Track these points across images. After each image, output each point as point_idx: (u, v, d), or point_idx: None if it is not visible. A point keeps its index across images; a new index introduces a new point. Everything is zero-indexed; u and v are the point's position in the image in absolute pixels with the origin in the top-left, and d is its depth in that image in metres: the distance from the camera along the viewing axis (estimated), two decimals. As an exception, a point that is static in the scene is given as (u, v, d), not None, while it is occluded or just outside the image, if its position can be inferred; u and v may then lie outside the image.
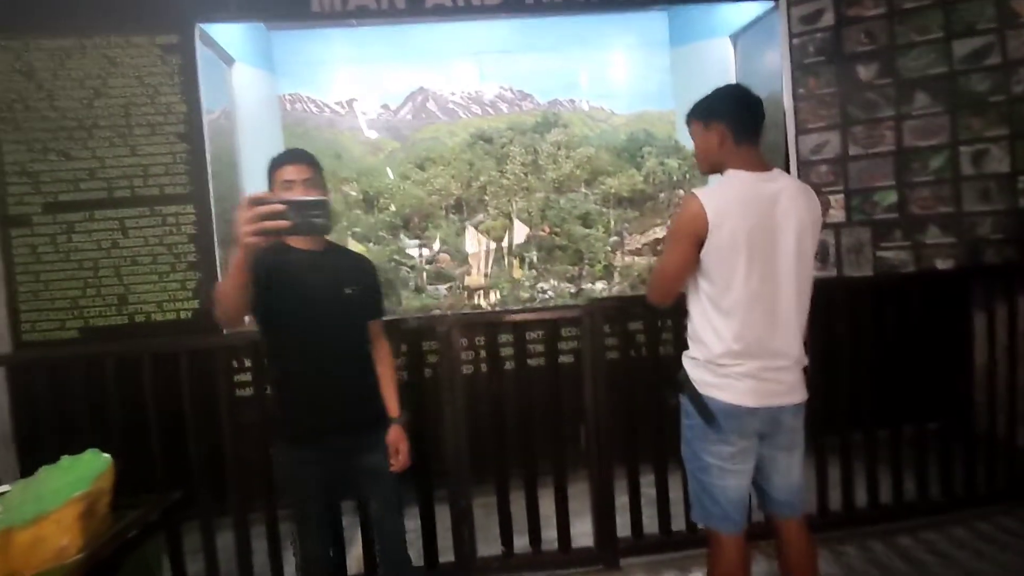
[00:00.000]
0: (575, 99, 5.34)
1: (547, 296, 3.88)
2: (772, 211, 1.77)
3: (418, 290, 3.96)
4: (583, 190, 4.57)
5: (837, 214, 3.53)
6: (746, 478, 1.82)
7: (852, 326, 2.76)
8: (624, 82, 5.43)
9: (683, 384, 1.85)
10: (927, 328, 2.82)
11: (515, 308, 3.50)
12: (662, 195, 4.75)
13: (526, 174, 4.52)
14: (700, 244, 1.76)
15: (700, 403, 1.80)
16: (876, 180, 3.43)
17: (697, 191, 1.80)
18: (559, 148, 4.65)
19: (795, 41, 3.60)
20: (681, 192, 4.79)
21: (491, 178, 4.40)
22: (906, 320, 2.78)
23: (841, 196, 3.52)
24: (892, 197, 3.39)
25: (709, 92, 1.91)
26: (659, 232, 4.76)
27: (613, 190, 4.58)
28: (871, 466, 2.73)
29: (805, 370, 1.88)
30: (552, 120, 5.08)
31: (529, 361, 2.56)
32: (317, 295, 1.69)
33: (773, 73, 3.73)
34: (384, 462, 1.79)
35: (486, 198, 4.33)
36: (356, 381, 1.77)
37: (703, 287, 1.81)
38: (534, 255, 4.11)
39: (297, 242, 1.73)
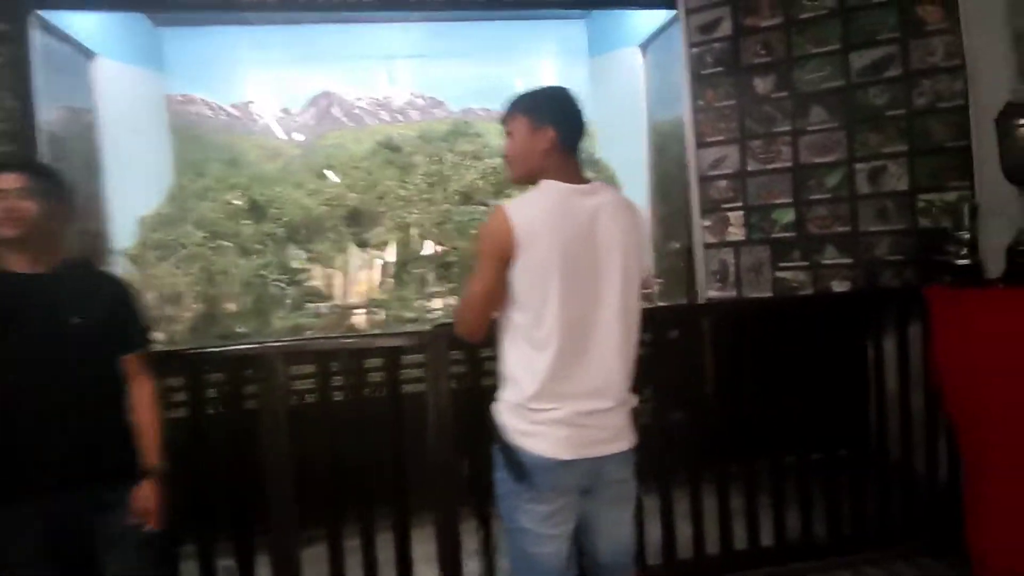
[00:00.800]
0: (490, 107, 5.12)
1: (434, 317, 3.61)
2: (592, 228, 1.54)
3: (294, 308, 3.65)
4: (493, 202, 4.32)
5: (737, 232, 3.35)
6: (566, 542, 1.57)
7: (748, 350, 2.57)
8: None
9: (495, 432, 1.60)
10: (824, 353, 2.66)
11: (349, 335, 3.21)
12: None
13: (430, 184, 4.26)
14: (508, 265, 1.51)
15: (510, 455, 1.54)
16: (774, 197, 3.26)
17: (505, 204, 1.56)
18: (465, 158, 4.40)
19: (694, 51, 3.44)
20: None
21: (389, 188, 4.13)
22: (802, 344, 2.60)
23: (740, 213, 3.34)
24: (790, 215, 3.23)
25: (535, 88, 1.69)
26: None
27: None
28: (775, 500, 2.53)
29: (635, 411, 1.65)
30: (463, 129, 4.85)
31: (370, 392, 2.29)
32: (31, 328, 1.39)
33: (679, 84, 3.56)
34: (128, 524, 1.49)
35: (382, 210, 4.05)
36: (87, 428, 1.47)
37: (514, 316, 1.56)
38: (426, 272, 3.84)
39: (15, 262, 1.43)
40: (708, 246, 3.43)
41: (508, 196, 4.71)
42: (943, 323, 2.43)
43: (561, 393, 1.49)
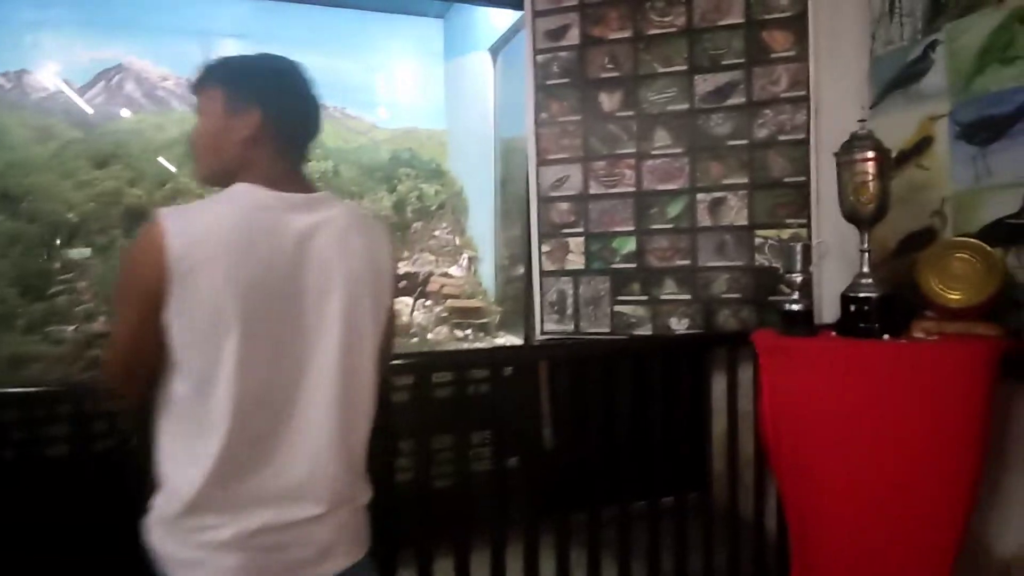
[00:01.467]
0: (329, 105, 4.54)
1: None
2: (300, 257, 1.06)
3: (27, 331, 2.86)
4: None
5: (576, 260, 3.04)
6: None
7: (585, 392, 2.22)
8: (393, 94, 4.75)
9: (150, 557, 1.06)
10: (664, 395, 2.40)
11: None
12: (417, 225, 4.07)
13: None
14: (158, 306, 0.99)
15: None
16: (616, 224, 2.99)
17: (164, 211, 1.04)
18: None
19: (539, 58, 3.11)
20: (443, 229, 4.15)
21: (185, 186, 3.43)
22: (638, 385, 2.30)
23: (581, 240, 3.03)
24: (630, 244, 2.96)
25: (244, 56, 1.19)
26: (404, 267, 4.06)
27: (349, 214, 3.81)
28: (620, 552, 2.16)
29: (367, 509, 1.18)
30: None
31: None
32: None
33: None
34: None
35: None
36: None
37: (173, 383, 1.04)
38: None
39: None
40: (546, 274, 3.09)
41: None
42: (769, 370, 2.22)
43: (235, 499, 1.00)
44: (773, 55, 2.79)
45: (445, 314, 3.82)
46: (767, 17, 2.81)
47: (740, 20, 2.84)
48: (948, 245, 2.07)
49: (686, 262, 2.89)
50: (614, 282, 2.99)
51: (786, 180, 2.77)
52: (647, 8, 2.94)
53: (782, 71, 2.78)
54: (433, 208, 4.27)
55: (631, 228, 2.96)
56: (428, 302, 4.01)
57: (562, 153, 3.07)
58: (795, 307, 2.15)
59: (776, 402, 2.20)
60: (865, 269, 2.09)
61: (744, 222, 2.82)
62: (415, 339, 3.52)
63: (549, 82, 3.10)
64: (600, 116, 3.01)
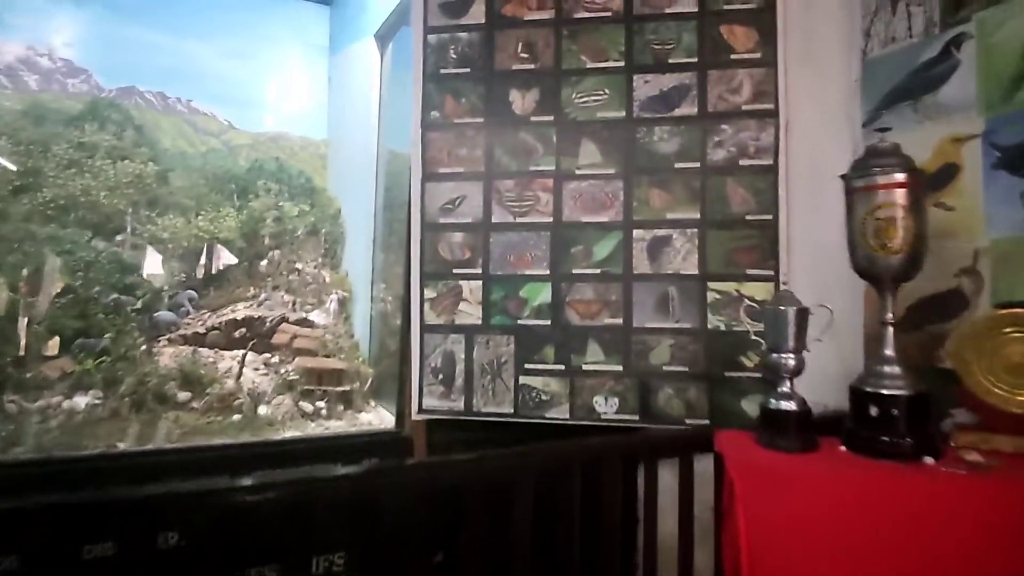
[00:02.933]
0: (172, 96, 3.56)
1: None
2: None
3: None
4: (128, 231, 2.73)
5: (471, 312, 2.22)
6: None
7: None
8: (261, 89, 3.82)
9: None
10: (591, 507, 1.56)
11: None
12: (274, 254, 3.12)
13: (13, 191, 2.55)
14: None
15: None
16: (526, 265, 2.21)
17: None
18: (91, 155, 2.78)
19: (431, 40, 2.33)
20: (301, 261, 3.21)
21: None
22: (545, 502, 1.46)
23: (478, 284, 2.22)
24: (545, 294, 2.19)
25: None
26: (245, 310, 3.10)
27: (170, 234, 2.82)
28: None
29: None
30: (104, 112, 3.21)
31: None
32: None
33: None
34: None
35: None
36: None
37: None
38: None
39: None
40: (430, 329, 2.24)
41: (152, 223, 3.14)
42: (746, 498, 1.47)
43: None
44: (733, 56, 2.15)
45: (296, 376, 2.87)
46: (726, 8, 2.16)
47: (692, 9, 2.19)
48: (997, 321, 1.41)
49: (617, 320, 2.14)
50: (521, 344, 2.19)
51: (748, 217, 2.10)
52: (575, -16, 2.24)
53: (744, 77, 2.14)
54: (298, 234, 3.35)
55: (545, 272, 2.19)
56: (275, 358, 3.06)
57: (457, 166, 2.27)
58: (786, 405, 1.42)
59: (757, 539, 1.46)
60: (889, 351, 1.39)
61: (693, 270, 2.11)
62: (237, 416, 2.57)
63: (444, 71, 2.31)
64: (510, 120, 2.25)
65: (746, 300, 2.07)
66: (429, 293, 2.26)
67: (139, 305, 2.88)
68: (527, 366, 2.18)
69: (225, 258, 3.11)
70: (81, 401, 2.43)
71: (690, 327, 2.10)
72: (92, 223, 2.85)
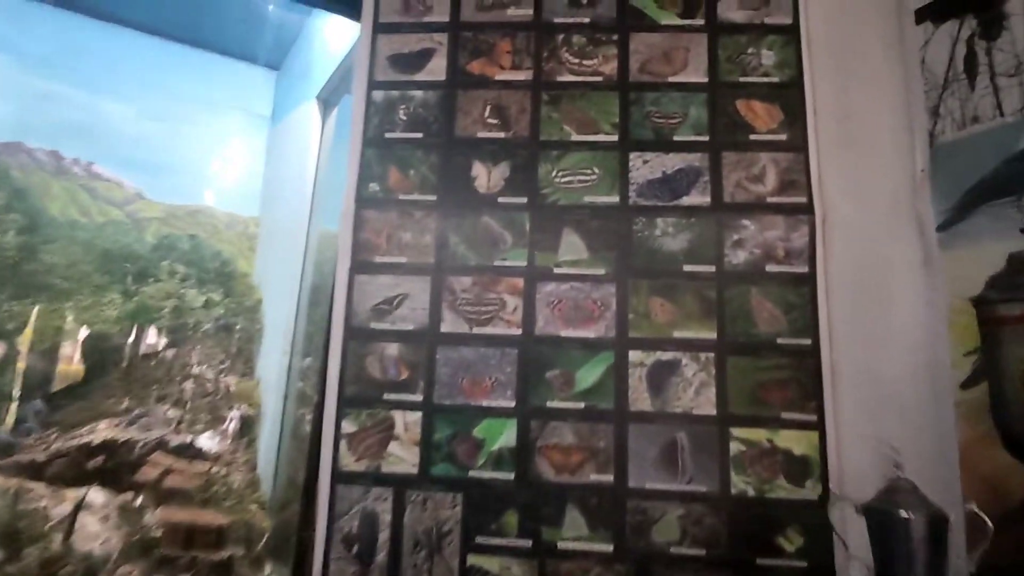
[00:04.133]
0: (69, 156, 2.98)
1: None
2: None
3: None
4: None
5: (404, 455, 1.61)
6: None
7: None
8: (186, 158, 3.28)
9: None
10: None
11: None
12: (167, 354, 2.46)
13: None
14: None
15: None
16: (483, 394, 1.63)
17: None
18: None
19: (377, 96, 1.84)
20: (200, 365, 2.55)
21: None
22: None
23: (416, 416, 1.62)
24: (507, 434, 1.61)
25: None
26: (109, 429, 2.39)
27: (18, 323, 2.15)
28: None
29: None
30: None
31: None
32: None
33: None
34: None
35: None
36: None
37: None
38: None
39: None
40: (345, 478, 1.61)
41: (7, 301, 2.45)
42: None
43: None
44: (753, 136, 1.71)
45: (158, 533, 2.10)
46: (743, 80, 1.75)
47: (702, 79, 1.76)
48: None
49: (606, 478, 1.55)
50: (472, 506, 1.56)
51: (780, 341, 1.58)
52: (559, 42, 1.81)
53: (767, 162, 1.70)
54: (203, 328, 2.71)
55: (509, 403, 1.61)
56: (138, 500, 2.29)
57: (399, 255, 1.72)
58: None
59: None
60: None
61: (710, 409, 1.57)
62: None
63: (389, 135, 1.81)
64: (470, 200, 1.74)
65: (779, 453, 1.52)
66: (348, 426, 1.63)
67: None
68: (479, 539, 1.54)
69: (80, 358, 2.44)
70: None
71: (707, 491, 1.52)
72: None
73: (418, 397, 1.62)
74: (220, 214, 3.27)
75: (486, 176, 1.75)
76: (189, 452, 2.51)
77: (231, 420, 2.61)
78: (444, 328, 1.66)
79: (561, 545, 1.51)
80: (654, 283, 1.64)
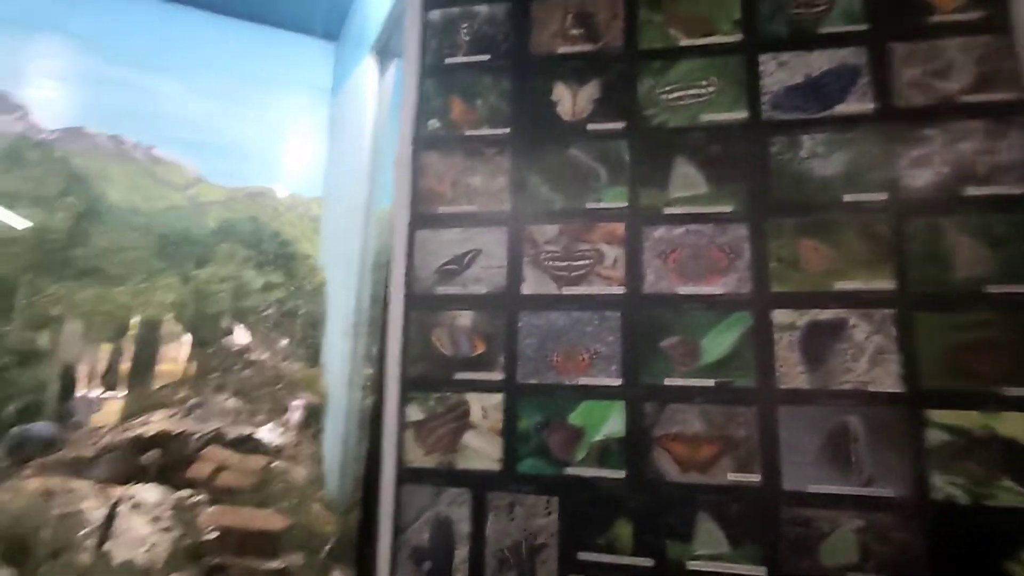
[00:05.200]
0: (130, 141, 2.86)
1: None
2: None
3: None
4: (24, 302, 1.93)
5: (483, 447, 1.28)
6: None
7: None
8: (247, 138, 3.12)
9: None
10: None
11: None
12: (226, 341, 2.27)
13: None
14: None
15: None
16: (580, 369, 1.27)
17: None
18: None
19: (434, 18, 1.53)
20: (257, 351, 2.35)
21: None
22: None
23: (497, 398, 1.29)
24: (613, 421, 1.25)
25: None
26: (164, 421, 2.21)
27: (64, 308, 2.00)
28: None
29: None
30: (30, 158, 2.50)
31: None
32: None
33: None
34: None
35: None
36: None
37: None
38: None
39: None
40: (412, 477, 1.30)
41: (51, 285, 2.32)
42: None
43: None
44: (935, 18, 1.27)
45: (212, 535, 1.88)
46: (910, -53, 1.31)
47: (852, -49, 1.34)
48: None
49: (750, 478, 1.16)
50: (571, 513, 1.22)
51: (990, 289, 1.15)
52: (657, -75, 1.43)
53: (956, 52, 1.25)
54: (264, 313, 2.51)
55: (615, 381, 1.25)
56: (195, 497, 2.09)
57: (467, 203, 1.40)
58: None
59: None
60: None
61: (893, 385, 1.15)
62: None
63: (450, 60, 1.49)
64: (553, 130, 1.39)
65: (1001, 444, 1.09)
66: (414, 413, 1.33)
67: (11, 410, 2.02)
68: (582, 556, 1.19)
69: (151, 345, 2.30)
70: None
71: (895, 496, 1.10)
72: None
73: (497, 376, 1.30)
74: (282, 196, 3.10)
75: (571, 100, 1.40)
76: (247, 445, 2.31)
77: (294, 410, 2.40)
78: (526, 289, 1.32)
79: (692, 565, 1.14)
80: (802, 221, 1.24)
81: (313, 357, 2.73)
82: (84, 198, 2.50)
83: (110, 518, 1.86)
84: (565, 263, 1.31)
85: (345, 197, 2.70)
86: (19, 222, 2.29)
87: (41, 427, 2.25)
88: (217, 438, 2.28)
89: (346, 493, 2.28)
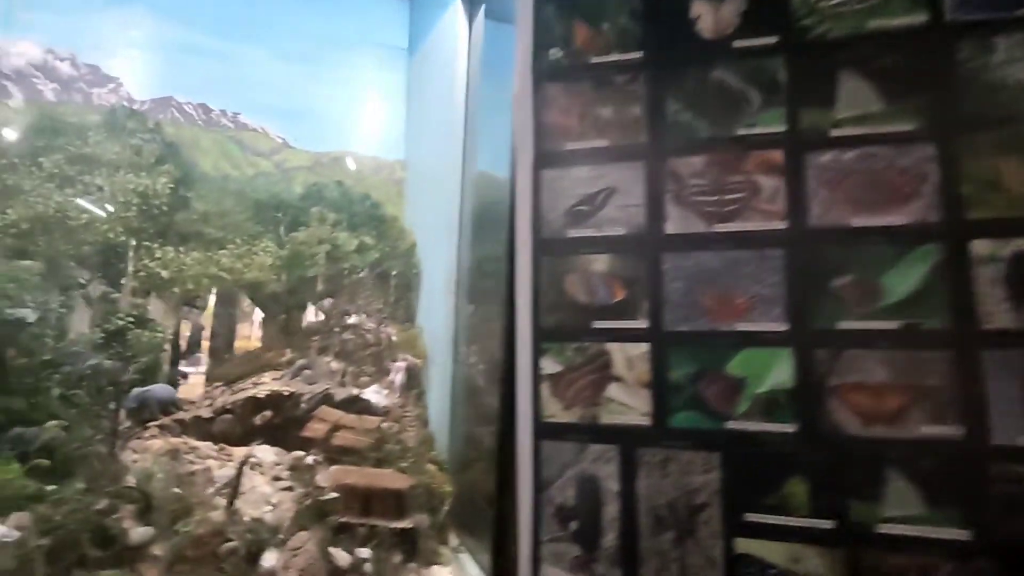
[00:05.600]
0: (216, 108, 2.87)
1: None
2: None
3: None
4: (130, 268, 1.96)
5: (628, 399, 1.17)
6: None
7: None
8: (326, 101, 3.08)
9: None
10: None
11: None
12: (325, 302, 2.26)
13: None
14: None
15: None
16: (737, 314, 1.15)
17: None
18: (92, 170, 2.06)
19: (551, -63, 1.39)
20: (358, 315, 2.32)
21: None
22: None
23: (643, 348, 1.19)
24: (780, 370, 1.10)
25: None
26: (274, 383, 2.21)
27: (173, 272, 2.01)
28: None
29: None
30: (138, 127, 2.52)
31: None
32: None
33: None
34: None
35: None
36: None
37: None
38: None
39: None
40: (552, 432, 1.22)
41: (156, 247, 2.34)
42: None
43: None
44: None
45: (331, 496, 1.87)
46: None
47: None
48: None
49: (949, 430, 1.02)
50: (736, 470, 1.11)
51: None
52: None
53: None
54: (358, 275, 2.49)
55: (780, 327, 1.11)
56: (308, 459, 2.08)
57: (597, 138, 1.29)
58: None
59: None
60: None
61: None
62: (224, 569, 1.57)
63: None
64: (693, 50, 1.24)
65: None
66: (550, 365, 1.24)
67: (132, 375, 2.07)
68: (750, 517, 1.09)
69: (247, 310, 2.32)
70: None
71: None
72: (73, 255, 2.13)
73: (642, 323, 1.19)
74: (365, 159, 3.05)
75: (711, 15, 1.24)
76: (356, 406, 2.31)
77: (397, 371, 2.39)
78: (670, 228, 1.20)
79: (882, 529, 1.02)
80: (1001, 136, 1.06)
81: (409, 319, 2.70)
82: (179, 165, 2.53)
83: (239, 476, 1.90)
84: (715, 198, 1.18)
85: (433, 157, 2.63)
86: (99, 210, 2.34)
87: (160, 389, 2.32)
88: (326, 399, 2.29)
89: (456, 453, 2.25)
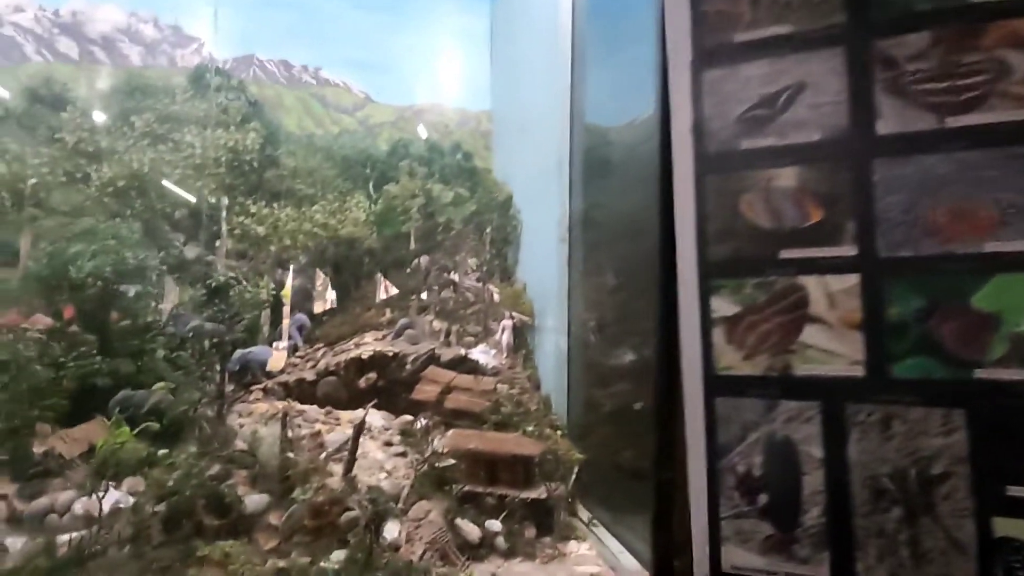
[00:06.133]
0: (297, 64, 2.76)
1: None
2: None
3: None
4: (224, 229, 1.87)
5: (835, 350, 0.93)
6: None
7: None
8: (407, 52, 2.92)
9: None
10: None
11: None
12: (421, 260, 2.13)
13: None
14: None
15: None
16: (976, 231, 0.88)
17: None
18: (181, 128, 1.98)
19: None
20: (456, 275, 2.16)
21: None
22: None
23: (852, 279, 0.94)
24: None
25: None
26: (376, 343, 2.09)
27: (269, 229, 1.91)
28: None
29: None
30: (223, 85, 2.45)
31: None
32: None
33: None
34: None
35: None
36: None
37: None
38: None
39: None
40: (729, 388, 1.00)
41: (246, 215, 2.24)
42: None
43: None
44: None
45: (449, 462, 1.73)
46: None
47: None
48: None
49: None
50: (988, 430, 0.85)
51: None
52: None
53: None
54: (454, 230, 2.33)
55: (1047, 243, 0.85)
56: (421, 423, 1.96)
57: (775, 23, 1.04)
58: None
59: None
60: None
61: None
62: (339, 555, 1.46)
63: None
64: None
65: None
66: (723, 306, 1.02)
67: (235, 336, 1.99)
68: (1013, 491, 0.84)
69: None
70: (79, 507, 1.54)
71: None
72: (166, 214, 2.07)
73: (848, 250, 0.95)
74: (449, 111, 2.88)
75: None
76: (464, 367, 2.17)
77: (503, 330, 2.23)
78: (883, 128, 0.95)
79: None
80: None
81: (508, 275, 2.53)
82: (264, 124, 2.45)
83: (356, 441, 1.79)
84: (945, 84, 0.92)
85: (530, 106, 2.41)
86: (187, 196, 2.28)
87: (261, 350, 2.26)
88: (432, 359, 2.16)
89: (575, 416, 2.08)
